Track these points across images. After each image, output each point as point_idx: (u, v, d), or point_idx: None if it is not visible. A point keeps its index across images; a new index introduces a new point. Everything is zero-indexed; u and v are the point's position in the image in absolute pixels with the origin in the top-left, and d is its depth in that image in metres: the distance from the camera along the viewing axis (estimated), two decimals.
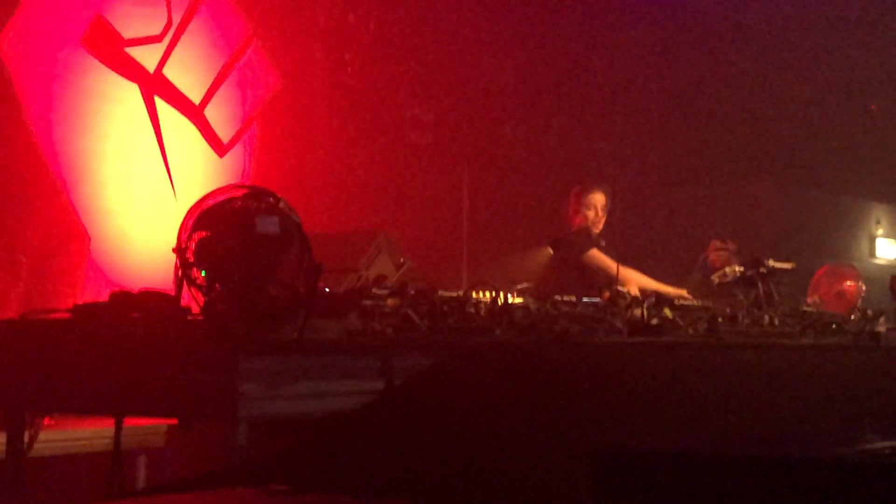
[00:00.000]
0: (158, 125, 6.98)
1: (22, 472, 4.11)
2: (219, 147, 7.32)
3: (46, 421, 4.69)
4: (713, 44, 10.76)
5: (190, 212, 3.74)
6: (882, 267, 10.54)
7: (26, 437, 4.16)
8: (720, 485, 2.29)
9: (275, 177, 7.37)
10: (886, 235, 10.92)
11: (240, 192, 3.75)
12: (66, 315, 3.94)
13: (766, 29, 10.70)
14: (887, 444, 2.48)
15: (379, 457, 3.11)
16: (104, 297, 6.35)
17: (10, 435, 4.03)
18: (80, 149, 6.60)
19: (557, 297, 4.75)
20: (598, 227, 6.89)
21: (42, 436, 4.50)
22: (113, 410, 3.68)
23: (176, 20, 7.07)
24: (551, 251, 6.84)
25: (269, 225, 3.58)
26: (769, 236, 9.54)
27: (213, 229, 3.64)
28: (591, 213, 6.87)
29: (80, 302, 6.34)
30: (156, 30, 6.98)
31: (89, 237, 6.57)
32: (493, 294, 4.53)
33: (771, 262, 5.74)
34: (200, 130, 7.23)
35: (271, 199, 3.72)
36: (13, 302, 6.19)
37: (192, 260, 3.59)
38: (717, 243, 7.00)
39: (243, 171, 7.42)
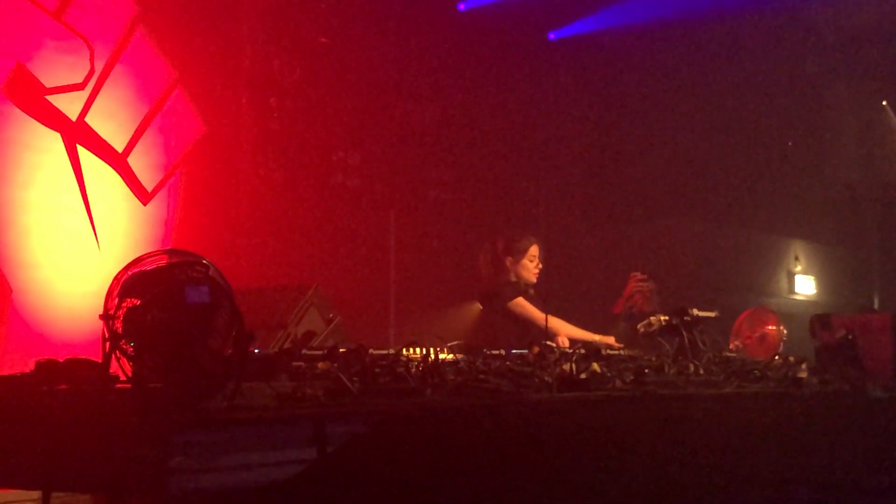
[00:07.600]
0: (81, 174, 6.90)
1: None
2: (143, 195, 7.25)
3: None
4: (631, 83, 10.92)
5: (117, 278, 3.69)
6: (801, 302, 10.77)
7: None
8: None
9: (199, 225, 7.32)
10: (804, 272, 11.15)
11: (167, 260, 3.71)
12: None
13: (683, 69, 10.87)
14: None
15: None
16: (27, 348, 6.34)
17: None
18: (1, 199, 6.51)
19: (487, 352, 4.78)
20: (533, 277, 6.89)
21: None
22: (39, 484, 3.61)
23: (99, 68, 7.00)
24: (480, 306, 6.84)
25: (199, 294, 3.54)
26: (691, 275, 9.67)
27: (142, 298, 3.59)
28: (527, 263, 6.86)
29: (1, 356, 6.32)
30: (78, 78, 6.91)
31: (11, 288, 6.46)
32: (424, 352, 4.53)
33: (695, 311, 5.82)
34: (124, 178, 7.15)
35: (200, 266, 3.68)
36: None
37: (120, 330, 3.54)
38: (638, 275, 7.06)
39: (167, 220, 7.35)
